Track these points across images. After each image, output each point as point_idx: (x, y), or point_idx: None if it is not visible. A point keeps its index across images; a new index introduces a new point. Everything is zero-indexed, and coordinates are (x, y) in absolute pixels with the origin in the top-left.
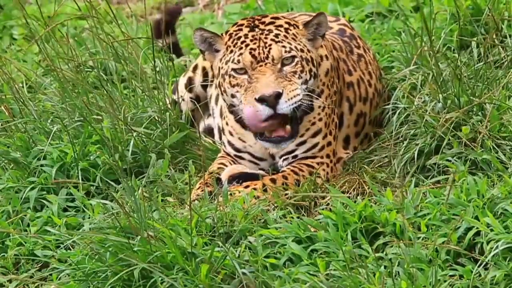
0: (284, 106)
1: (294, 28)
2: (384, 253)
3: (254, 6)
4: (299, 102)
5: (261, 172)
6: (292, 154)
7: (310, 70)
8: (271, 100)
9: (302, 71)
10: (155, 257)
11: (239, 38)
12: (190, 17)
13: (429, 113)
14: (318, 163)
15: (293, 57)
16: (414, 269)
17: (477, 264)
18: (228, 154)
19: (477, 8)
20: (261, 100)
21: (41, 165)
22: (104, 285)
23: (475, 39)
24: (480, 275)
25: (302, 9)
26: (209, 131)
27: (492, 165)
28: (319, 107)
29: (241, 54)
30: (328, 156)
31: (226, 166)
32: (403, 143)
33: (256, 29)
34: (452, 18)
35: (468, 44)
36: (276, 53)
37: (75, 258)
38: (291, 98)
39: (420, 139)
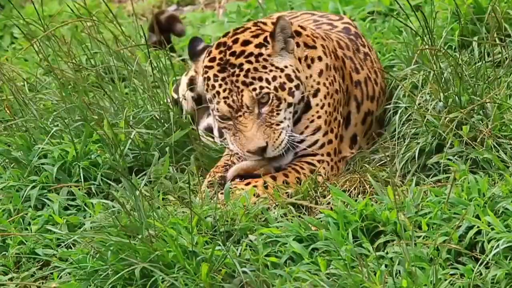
0: (272, 154)
1: (266, 47)
2: (385, 252)
3: (255, 5)
4: (288, 145)
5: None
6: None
7: (290, 89)
8: (258, 153)
9: (279, 105)
10: (156, 256)
11: (209, 79)
12: (191, 16)
13: (430, 112)
14: (319, 161)
15: (267, 94)
16: (415, 268)
17: (478, 263)
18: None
19: (479, 6)
20: (249, 152)
21: (42, 164)
22: (105, 283)
23: (476, 38)
24: (481, 274)
25: (303, 8)
26: (210, 130)
27: (493, 164)
28: (317, 105)
29: (218, 102)
30: (329, 154)
31: (234, 162)
32: (404, 142)
33: (227, 68)
34: (453, 17)
35: (469, 44)
36: (248, 101)
37: (76, 257)
38: (277, 147)
39: (421, 138)
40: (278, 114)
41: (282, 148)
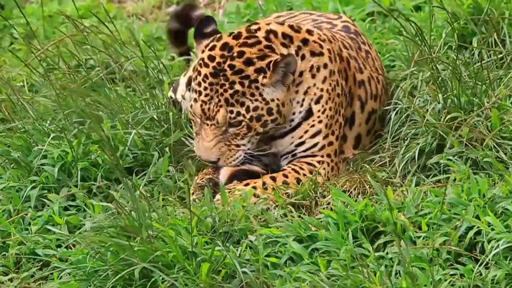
0: (223, 166)
1: (264, 75)
2: (385, 252)
3: (254, 6)
4: (242, 161)
5: (261, 170)
6: (292, 153)
7: (265, 122)
8: (209, 162)
9: (247, 133)
10: (156, 256)
11: (200, 74)
12: None
13: (430, 113)
14: (318, 162)
15: (240, 121)
16: (415, 268)
17: (478, 264)
18: None
19: (478, 7)
20: (200, 158)
21: (42, 165)
22: (104, 284)
23: (475, 38)
24: (481, 274)
25: (302, 8)
26: None
27: (493, 164)
28: (318, 110)
29: (196, 101)
30: (329, 155)
31: None
32: (404, 142)
33: (220, 76)
34: (453, 17)
35: (467, 46)
36: (221, 118)
37: (76, 257)
38: (230, 163)
39: (421, 138)
40: (242, 139)
41: (234, 164)
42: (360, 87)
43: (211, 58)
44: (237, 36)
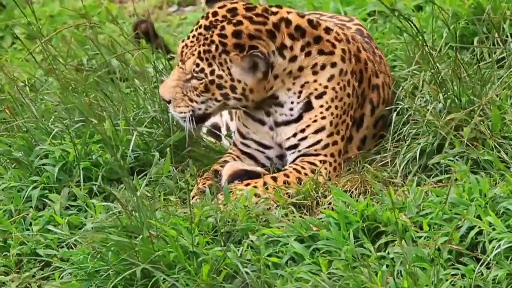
0: (173, 112)
1: (238, 52)
2: (386, 252)
3: None
4: (188, 118)
5: (262, 170)
6: (297, 149)
7: (226, 94)
8: (163, 100)
9: (204, 92)
10: (157, 256)
11: (198, 23)
12: (192, 16)
13: (431, 113)
14: (320, 161)
15: (201, 78)
16: (416, 268)
17: (479, 263)
18: (236, 146)
19: (479, 7)
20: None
21: (43, 164)
22: (106, 284)
23: (476, 38)
24: (482, 274)
25: (304, 9)
26: (216, 128)
27: (494, 164)
28: (321, 106)
29: (183, 41)
30: (332, 155)
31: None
32: (405, 143)
33: (209, 31)
34: (454, 17)
35: (468, 46)
36: (188, 66)
37: (77, 257)
38: (178, 113)
39: (422, 138)
40: (198, 95)
41: (179, 116)
42: (374, 91)
43: (215, 13)
44: (249, 9)
